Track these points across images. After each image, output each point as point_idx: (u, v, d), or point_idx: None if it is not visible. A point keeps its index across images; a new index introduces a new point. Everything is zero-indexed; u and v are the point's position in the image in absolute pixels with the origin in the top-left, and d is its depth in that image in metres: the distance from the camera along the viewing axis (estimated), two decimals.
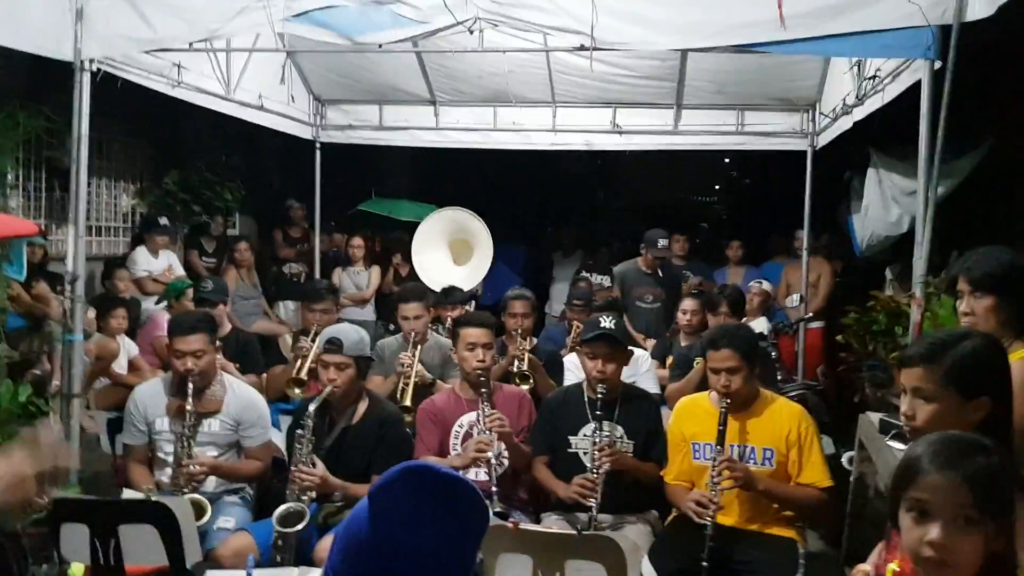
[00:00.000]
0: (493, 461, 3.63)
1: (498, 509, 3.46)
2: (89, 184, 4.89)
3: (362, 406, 3.86)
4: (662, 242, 6.78)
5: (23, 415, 4.46)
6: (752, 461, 3.50)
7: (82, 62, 4.41)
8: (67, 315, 4.44)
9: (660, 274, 6.89)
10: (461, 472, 3.69)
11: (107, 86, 4.62)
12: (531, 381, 4.70)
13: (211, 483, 3.85)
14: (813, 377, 6.67)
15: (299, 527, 3.33)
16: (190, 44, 4.65)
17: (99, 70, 4.51)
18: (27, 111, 5.01)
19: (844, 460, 4.10)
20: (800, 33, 3.84)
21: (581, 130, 7.00)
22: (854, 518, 3.93)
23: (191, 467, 3.68)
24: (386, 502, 1.26)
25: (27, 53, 4.44)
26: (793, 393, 4.87)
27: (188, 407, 3.76)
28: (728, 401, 3.48)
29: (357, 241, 8.06)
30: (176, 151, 8.57)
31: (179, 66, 5.25)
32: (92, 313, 5.35)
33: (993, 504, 1.54)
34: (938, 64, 3.60)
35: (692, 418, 3.67)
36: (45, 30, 4.24)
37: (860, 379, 5.01)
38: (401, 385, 4.65)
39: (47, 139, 5.89)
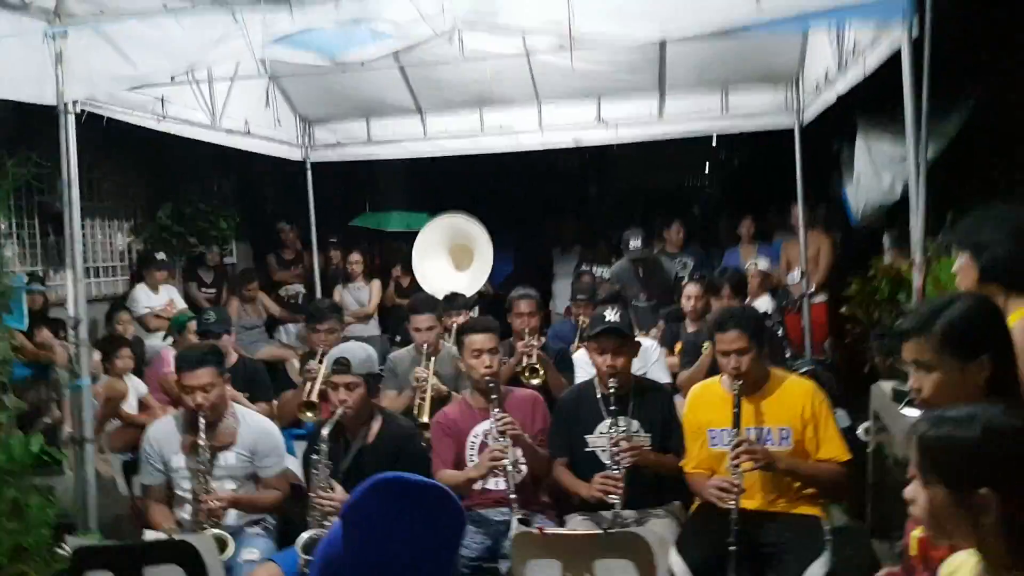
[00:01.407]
0: (510, 469, 3.60)
1: (520, 516, 3.45)
2: (83, 226, 4.90)
3: (376, 424, 3.86)
4: (633, 243, 6.77)
5: (38, 466, 4.45)
6: (770, 442, 3.50)
7: (66, 104, 4.41)
8: (72, 360, 4.43)
9: (641, 273, 6.88)
10: (480, 482, 3.71)
11: (93, 126, 4.62)
12: (540, 375, 4.68)
13: (232, 516, 3.84)
14: (821, 352, 6.67)
15: None
16: (172, 77, 4.65)
17: (83, 111, 4.51)
18: (15, 159, 5.01)
19: (860, 432, 4.11)
20: (777, 13, 3.83)
21: (568, 127, 6.99)
22: (876, 489, 3.94)
23: (210, 502, 3.67)
24: (358, 517, 1.26)
25: (10, 101, 4.45)
26: (803, 370, 4.87)
27: (200, 442, 3.74)
28: (740, 383, 3.48)
29: (355, 257, 8.06)
30: (167, 184, 8.58)
31: (163, 100, 5.26)
32: (97, 356, 5.35)
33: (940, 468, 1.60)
34: (916, 32, 3.59)
35: (706, 405, 3.67)
36: (26, 76, 4.23)
37: (868, 349, 5.01)
38: (417, 400, 4.62)
39: (37, 185, 5.91)
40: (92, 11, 4.31)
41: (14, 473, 4.09)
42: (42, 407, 5.48)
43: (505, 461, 3.60)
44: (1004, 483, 1.51)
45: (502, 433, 3.67)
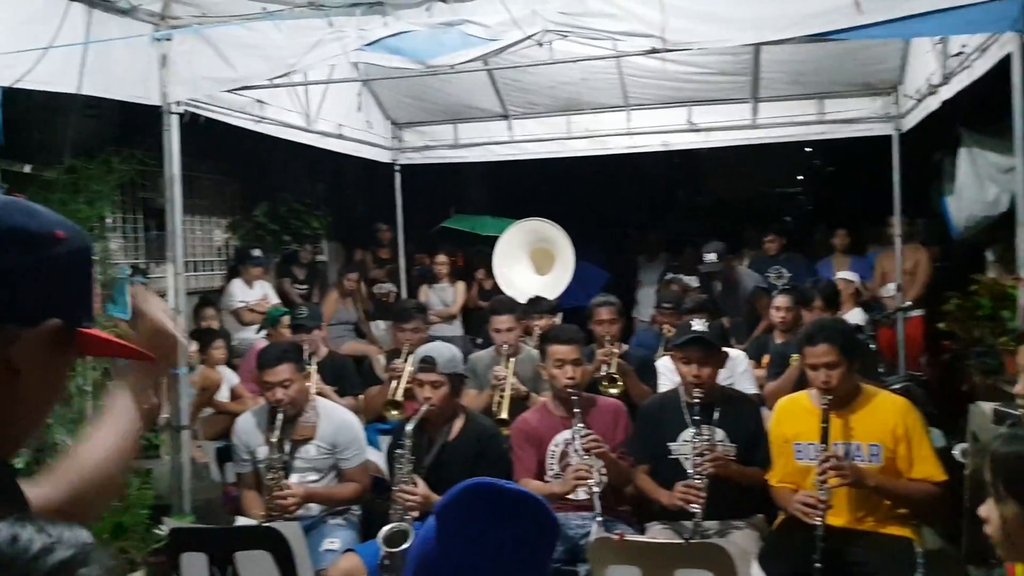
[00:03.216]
0: (595, 488, 3.54)
1: (600, 522, 3.43)
2: (183, 221, 5.09)
3: (458, 422, 3.90)
4: (708, 257, 6.66)
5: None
6: (859, 458, 3.39)
7: (169, 105, 4.61)
8: None
9: (719, 288, 6.78)
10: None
11: (193, 126, 4.81)
12: (619, 384, 4.65)
13: (314, 506, 3.94)
14: (916, 368, 6.45)
15: (404, 546, 3.38)
16: (270, 80, 4.80)
17: (186, 111, 4.69)
18: (120, 156, 5.25)
19: (957, 453, 3.95)
20: (878, 16, 3.73)
21: (657, 131, 6.94)
22: (972, 513, 3.77)
23: (284, 497, 3.74)
24: (452, 521, 1.28)
25: (117, 100, 4.66)
26: (896, 386, 4.71)
27: (273, 438, 3.84)
28: (829, 398, 3.39)
29: (441, 258, 8.16)
30: (263, 184, 8.85)
31: (261, 102, 5.42)
32: (194, 346, 5.55)
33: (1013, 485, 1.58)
34: None
35: (793, 418, 3.59)
36: (133, 78, 4.43)
37: (967, 367, 4.82)
38: (496, 399, 4.65)
39: (141, 181, 6.15)
40: (195, 15, 4.50)
41: None
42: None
43: (591, 481, 3.56)
44: None
45: (587, 450, 3.63)
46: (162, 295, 6.41)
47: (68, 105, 4.29)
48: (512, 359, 4.88)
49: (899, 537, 3.33)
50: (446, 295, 8.05)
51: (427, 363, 3.80)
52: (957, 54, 4.56)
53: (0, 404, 1.03)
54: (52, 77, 3.84)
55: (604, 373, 4.71)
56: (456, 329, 7.95)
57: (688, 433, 3.69)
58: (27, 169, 5.23)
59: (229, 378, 5.88)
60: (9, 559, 0.71)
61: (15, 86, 3.59)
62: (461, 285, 8.13)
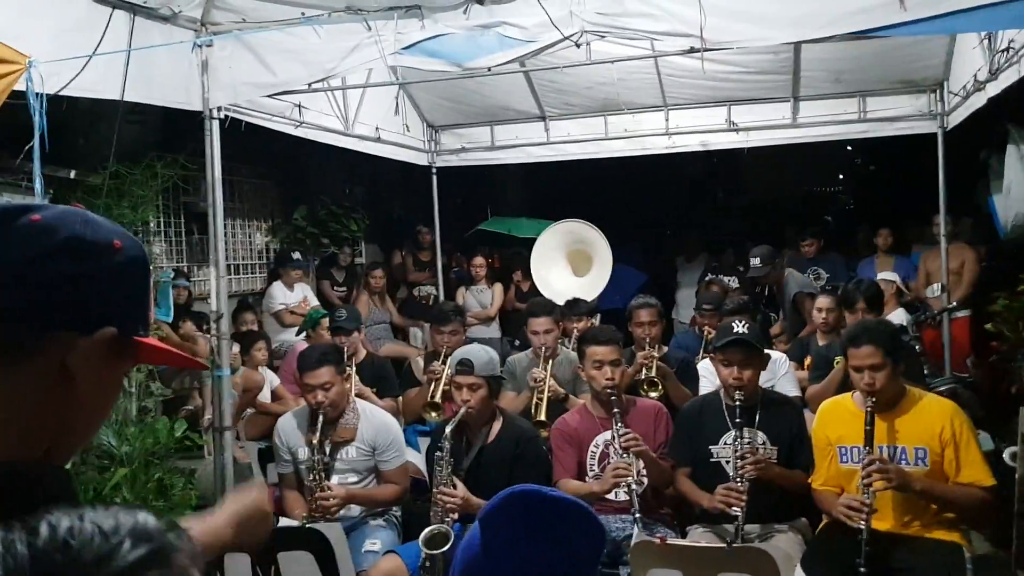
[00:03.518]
0: (634, 486, 3.53)
1: (641, 525, 3.40)
2: (224, 225, 5.17)
3: (496, 425, 3.90)
4: (754, 262, 6.58)
5: (181, 450, 4.72)
6: (904, 462, 3.33)
7: (210, 110, 4.66)
8: (214, 352, 4.67)
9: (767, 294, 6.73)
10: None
11: (234, 131, 4.86)
12: (660, 388, 4.62)
13: (355, 508, 3.96)
14: (962, 369, 6.32)
15: (445, 548, 3.38)
16: (309, 85, 4.84)
17: (226, 117, 4.74)
18: (163, 161, 5.34)
19: (1006, 456, 3.87)
20: (923, 12, 3.65)
21: (696, 131, 6.89)
22: (1022, 518, 3.69)
23: (325, 499, 3.76)
24: (495, 527, 1.27)
25: (159, 107, 4.73)
26: (942, 388, 4.62)
27: (314, 440, 3.86)
28: (873, 400, 3.33)
29: (478, 260, 8.18)
30: (302, 187, 8.94)
31: (300, 107, 5.47)
32: (236, 348, 5.62)
33: None
34: None
35: (836, 420, 3.53)
36: (174, 84, 4.48)
37: (1015, 369, 4.72)
38: (535, 401, 4.65)
39: (183, 186, 6.25)
40: (235, 21, 4.54)
41: (160, 455, 4.36)
42: (185, 395, 5.80)
43: (629, 479, 3.54)
44: None
45: (626, 449, 3.61)
46: (204, 298, 6.52)
47: (112, 111, 4.36)
48: (550, 361, 4.86)
49: (947, 542, 3.26)
50: (484, 297, 8.07)
51: (465, 366, 3.80)
52: (1004, 49, 4.46)
53: (56, 410, 1.04)
54: (96, 84, 3.90)
55: (644, 376, 4.67)
56: (493, 331, 7.97)
57: (729, 436, 3.65)
58: (72, 175, 5.33)
59: (271, 379, 5.95)
60: (70, 560, 0.70)
61: (60, 93, 3.65)
62: (498, 287, 8.14)
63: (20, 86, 3.23)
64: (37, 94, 3.30)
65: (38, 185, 3.44)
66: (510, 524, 1.26)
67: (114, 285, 1.06)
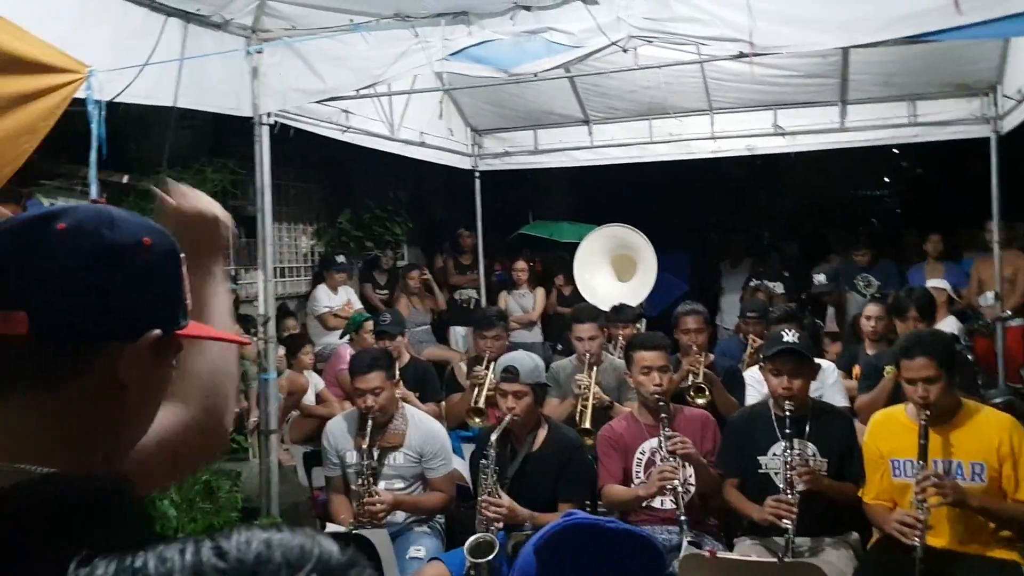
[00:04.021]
0: (680, 490, 3.50)
1: (689, 538, 3.36)
2: (271, 229, 5.21)
3: (542, 432, 3.88)
4: (818, 279, 6.54)
5: (226, 452, 4.77)
6: (960, 477, 3.25)
7: (260, 116, 4.71)
8: (260, 354, 4.71)
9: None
10: (647, 501, 3.65)
11: (282, 136, 4.91)
12: (707, 395, 4.57)
13: (400, 514, 3.97)
14: (1016, 380, 6.16)
15: (490, 557, 3.37)
16: (356, 91, 4.87)
17: (276, 123, 4.79)
18: (213, 166, 5.41)
19: None
20: (978, 15, 3.57)
21: (742, 135, 6.81)
22: None
23: (373, 505, 3.78)
24: (552, 559, 1.25)
25: (211, 113, 4.79)
26: (998, 400, 4.51)
27: (364, 445, 3.88)
28: (928, 413, 3.26)
29: (520, 264, 8.17)
30: (347, 191, 9.01)
31: (347, 112, 5.51)
32: (282, 351, 5.67)
33: None
34: None
35: (889, 433, 3.46)
36: (225, 90, 4.54)
37: None
38: (579, 408, 4.61)
39: (232, 190, 6.33)
40: (285, 28, 4.59)
41: None
42: None
43: (675, 482, 3.51)
44: None
45: (672, 453, 3.57)
46: (251, 301, 6.58)
47: (165, 117, 4.42)
48: (595, 368, 4.83)
49: (1006, 561, 3.18)
50: (525, 301, 8.05)
51: (510, 373, 3.79)
52: None
53: (111, 420, 1.03)
54: (149, 91, 3.96)
55: (691, 383, 4.62)
56: (536, 336, 7.95)
57: (779, 447, 3.59)
58: (125, 179, 5.42)
59: (315, 382, 5.99)
60: None
61: (116, 100, 3.71)
62: (540, 291, 8.13)
63: (79, 94, 3.28)
64: (96, 102, 3.36)
65: (94, 191, 3.50)
66: (567, 556, 1.24)
67: (150, 285, 1.03)
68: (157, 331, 1.03)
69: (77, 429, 1.01)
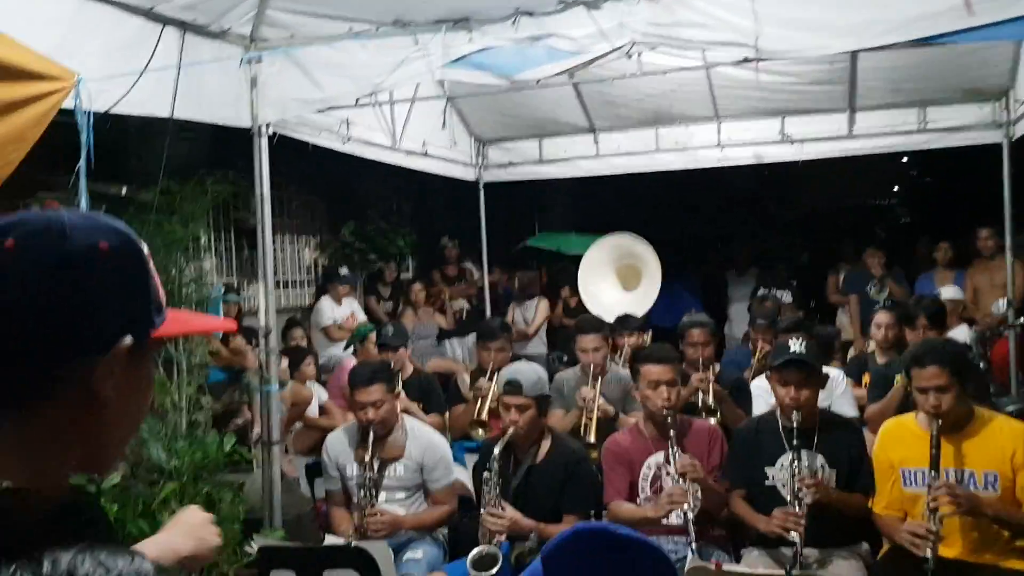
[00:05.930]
0: (690, 514, 3.40)
1: (696, 548, 3.29)
2: (274, 241, 5.17)
3: (545, 444, 3.81)
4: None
5: (229, 464, 4.72)
6: (973, 487, 3.18)
7: (259, 127, 4.67)
8: (263, 366, 4.66)
9: None
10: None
11: (283, 147, 4.86)
12: (719, 414, 4.49)
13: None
14: None
15: (493, 570, 3.31)
16: (356, 100, 4.82)
17: (275, 133, 4.75)
18: (213, 178, 5.37)
19: None
20: (991, 17, 3.50)
21: (749, 143, 6.75)
22: None
23: (373, 522, 3.72)
24: (560, 566, 1.20)
25: (209, 124, 4.75)
26: (1011, 408, 4.43)
27: (364, 457, 3.83)
28: (939, 422, 3.18)
29: (526, 277, 8.12)
30: (350, 203, 8.98)
31: (347, 122, 5.47)
32: (285, 363, 5.62)
33: None
34: None
35: (899, 443, 3.39)
36: (223, 100, 4.49)
37: None
38: (584, 420, 4.55)
39: (233, 202, 6.30)
40: (284, 36, 4.55)
41: (208, 469, 4.35)
42: (234, 409, 5.81)
43: (685, 507, 3.41)
44: None
45: (682, 475, 3.49)
46: (255, 312, 6.55)
47: (163, 128, 4.39)
48: (599, 379, 4.76)
49: (1020, 572, 3.10)
50: (529, 313, 7.99)
51: (513, 386, 3.72)
52: None
53: (91, 431, 0.99)
54: (146, 101, 3.91)
55: (702, 403, 4.54)
56: (539, 347, 7.87)
57: (786, 458, 3.50)
58: (123, 191, 5.39)
59: (319, 394, 5.94)
60: None
61: (111, 111, 3.67)
62: (543, 303, 8.05)
63: (68, 104, 3.24)
64: (85, 112, 3.31)
65: (84, 203, 3.44)
66: (576, 564, 1.18)
67: (113, 291, 0.97)
68: (128, 338, 0.97)
69: (51, 443, 0.96)
